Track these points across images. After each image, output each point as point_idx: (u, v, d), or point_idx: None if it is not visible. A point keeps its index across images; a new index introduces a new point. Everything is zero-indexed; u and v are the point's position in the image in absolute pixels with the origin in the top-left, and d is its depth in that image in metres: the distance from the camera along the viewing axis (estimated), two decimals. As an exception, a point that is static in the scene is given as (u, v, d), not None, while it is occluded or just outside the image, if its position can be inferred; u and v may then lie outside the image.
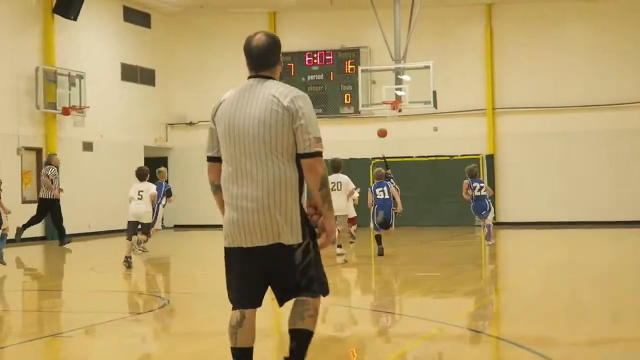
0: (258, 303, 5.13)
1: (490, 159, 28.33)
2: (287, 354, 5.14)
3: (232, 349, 5.07)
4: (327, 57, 29.89)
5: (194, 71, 31.28)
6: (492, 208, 19.49)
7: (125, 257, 15.83)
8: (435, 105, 24.13)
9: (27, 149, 25.00)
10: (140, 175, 16.74)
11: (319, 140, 4.98)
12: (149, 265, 17.78)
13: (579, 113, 27.80)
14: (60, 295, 12.70)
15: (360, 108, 26.48)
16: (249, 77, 5.20)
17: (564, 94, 27.88)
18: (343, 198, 16.94)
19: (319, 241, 5.09)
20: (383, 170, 18.44)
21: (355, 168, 26.23)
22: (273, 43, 5.17)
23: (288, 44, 30.64)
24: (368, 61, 29.13)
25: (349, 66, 29.54)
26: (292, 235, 4.96)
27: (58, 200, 20.64)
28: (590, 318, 9.03)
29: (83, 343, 8.23)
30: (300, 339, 5.11)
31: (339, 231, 16.30)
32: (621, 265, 15.25)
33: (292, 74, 30.16)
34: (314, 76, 30.07)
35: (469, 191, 19.09)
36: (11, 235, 17.41)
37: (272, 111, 4.95)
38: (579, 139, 27.76)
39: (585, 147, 27.70)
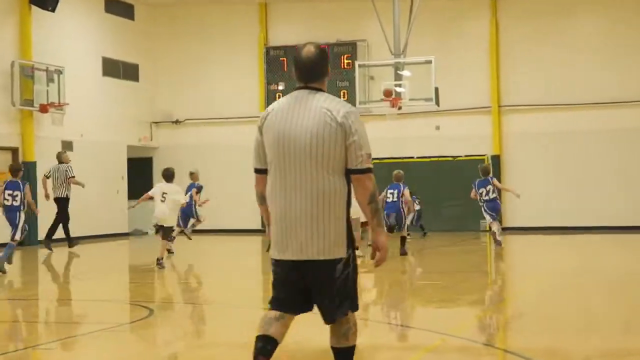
0: (297, 312, 5.43)
1: (496, 159, 28.35)
2: None
3: (259, 336, 5.31)
4: (322, 51, 29.89)
5: (181, 66, 31.26)
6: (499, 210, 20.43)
7: (158, 258, 16.77)
8: (437, 103, 24.14)
9: (2, 148, 24.97)
10: (167, 176, 17.41)
11: (369, 156, 5.30)
12: (133, 273, 17.76)
13: (591, 111, 27.82)
14: (38, 304, 12.69)
15: (357, 105, 26.47)
16: (297, 88, 5.46)
17: (574, 90, 27.89)
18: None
19: (376, 258, 5.37)
20: (402, 172, 19.46)
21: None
22: (322, 55, 5.47)
23: (280, 37, 30.66)
24: (366, 56, 29.13)
25: (346, 61, 29.55)
26: (335, 250, 5.24)
27: (69, 199, 21.82)
28: (602, 328, 9.05)
29: (62, 356, 8.22)
30: (347, 355, 5.48)
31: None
32: (634, 272, 15.28)
33: (285, 69, 30.16)
34: (308, 71, 30.07)
35: (477, 196, 20.32)
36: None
37: (325, 125, 5.23)
38: (591, 138, 27.78)
39: (598, 147, 27.71)
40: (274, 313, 5.37)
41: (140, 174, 30.78)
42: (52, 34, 26.62)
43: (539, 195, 27.92)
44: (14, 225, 16.35)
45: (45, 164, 25.39)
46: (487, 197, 20.33)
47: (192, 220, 20.96)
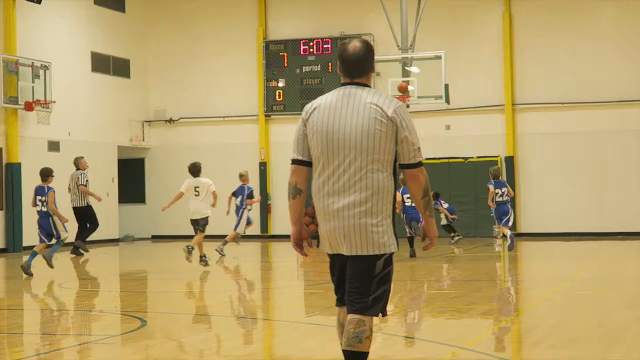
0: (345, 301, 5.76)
1: (510, 161, 28.34)
2: None
3: (344, 351, 5.63)
4: (325, 46, 29.91)
5: (175, 61, 31.29)
6: (513, 213, 20.82)
7: (201, 256, 18.20)
8: (447, 101, 24.14)
9: (-16, 149, 25.01)
10: (194, 171, 18.47)
11: (420, 149, 5.66)
12: (122, 282, 17.77)
13: (611, 109, 27.82)
14: (22, 314, 12.68)
15: (362, 103, 26.46)
16: (343, 84, 5.74)
17: (593, 88, 27.89)
18: None
19: (426, 245, 5.87)
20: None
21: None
22: (368, 50, 5.74)
23: (280, 31, 30.68)
24: (371, 50, 29.13)
25: (350, 56, 29.55)
26: (381, 245, 5.61)
27: (91, 206, 22.36)
28: (623, 341, 9.03)
29: (49, 369, 8.21)
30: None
31: None
32: (658, 281, 15.26)
33: (285, 64, 30.19)
34: (310, 67, 30.09)
35: (493, 195, 20.86)
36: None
37: (375, 120, 5.55)
38: (610, 138, 27.77)
39: (618, 148, 27.70)
40: (340, 314, 5.82)
41: (131, 176, 30.83)
42: (37, 27, 26.65)
43: (555, 199, 27.91)
44: (45, 231, 17.21)
45: (30, 165, 25.44)
46: (500, 199, 20.82)
47: (241, 226, 21.52)
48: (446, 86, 23.87)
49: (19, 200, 25.28)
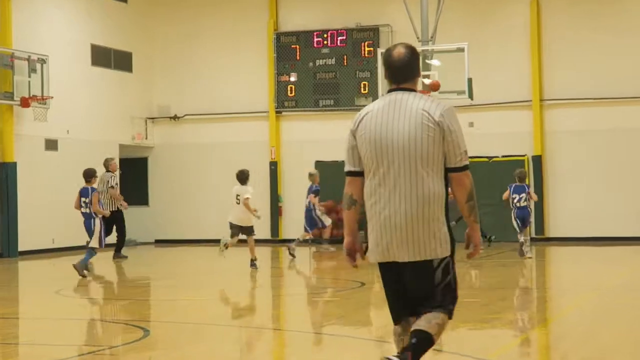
0: (415, 312, 6.07)
1: (538, 161, 28.29)
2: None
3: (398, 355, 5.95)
4: (340, 38, 29.91)
5: (179, 54, 31.35)
6: (529, 219, 21.34)
7: (251, 259, 19.43)
8: (470, 96, 24.10)
9: (-22, 148, 25.10)
10: (241, 178, 19.73)
11: (466, 153, 6.09)
12: (124, 289, 17.81)
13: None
14: (18, 323, 12.73)
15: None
16: (390, 90, 6.16)
17: (627, 82, 27.79)
18: None
19: (468, 252, 6.19)
20: None
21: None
22: (413, 55, 6.14)
23: (292, 22, 30.70)
24: (389, 42, 29.11)
25: (367, 48, 29.57)
26: (439, 250, 5.97)
27: (121, 212, 23.10)
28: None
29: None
30: (423, 339, 5.94)
31: None
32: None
33: (297, 57, 30.20)
34: (324, 61, 30.10)
35: (509, 199, 21.52)
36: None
37: (423, 126, 5.94)
38: (645, 136, 27.67)
39: (654, 146, 27.60)
40: (398, 328, 6.14)
41: (134, 177, 30.89)
42: (34, 19, 26.74)
43: (586, 201, 27.83)
44: (90, 233, 18.18)
45: (26, 165, 25.54)
46: (518, 204, 21.37)
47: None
48: (469, 80, 23.83)
49: (14, 203, 25.38)
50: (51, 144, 27.15)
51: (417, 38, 25.00)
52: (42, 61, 26.14)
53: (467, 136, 22.80)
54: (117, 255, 23.52)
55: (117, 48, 30.14)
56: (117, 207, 23.00)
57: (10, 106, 25.45)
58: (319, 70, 30.08)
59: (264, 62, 30.65)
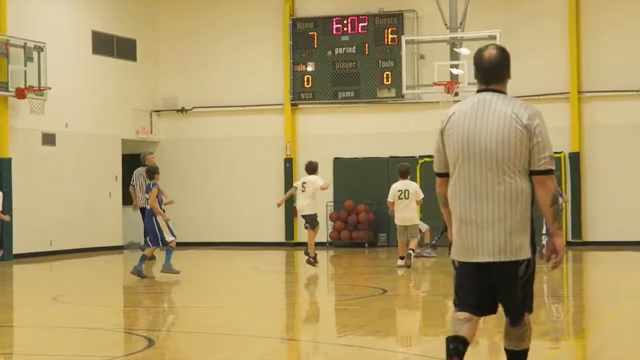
0: (485, 313, 6.73)
1: (575, 158, 28.22)
2: None
3: (451, 336, 6.54)
4: (361, 24, 29.90)
5: (187, 42, 31.38)
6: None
7: (310, 257, 20.59)
8: (502, 88, 24.06)
9: (-30, 142, 25.19)
10: (310, 169, 21.12)
11: (552, 157, 6.52)
12: (127, 295, 17.86)
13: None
14: (12, 331, 12.78)
15: (404, 91, 26.49)
16: (479, 91, 6.68)
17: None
18: (411, 207, 20.29)
19: (552, 262, 6.68)
20: None
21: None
22: (504, 57, 6.69)
23: (309, 7, 30.71)
24: (415, 30, 29.10)
25: (390, 36, 29.54)
26: (522, 251, 6.51)
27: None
28: None
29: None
30: (523, 358, 6.83)
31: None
32: None
33: (315, 45, 30.20)
34: (344, 49, 30.09)
35: None
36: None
37: (511, 128, 6.44)
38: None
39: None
40: (463, 314, 6.60)
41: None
42: (31, 3, 26.81)
43: (627, 202, 27.73)
44: (151, 234, 18.82)
45: (22, 160, 25.61)
46: None
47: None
48: (501, 71, 23.79)
49: (9, 202, 25.44)
50: (49, 139, 27.23)
51: (445, 25, 25.02)
52: (40, 49, 26.21)
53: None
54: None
55: (120, 35, 30.20)
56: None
57: (4, 97, 25.52)
58: (338, 59, 30.07)
59: (278, 50, 30.66)
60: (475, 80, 6.81)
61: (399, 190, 20.42)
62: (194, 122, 31.49)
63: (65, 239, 26.98)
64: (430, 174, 23.17)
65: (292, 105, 30.54)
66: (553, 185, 6.51)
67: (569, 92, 28.49)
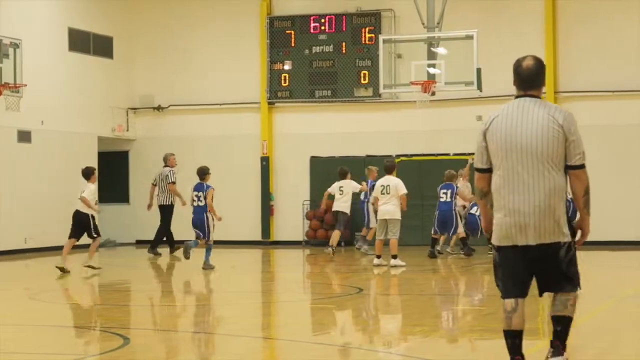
0: (526, 293, 7.58)
1: (551, 158, 28.24)
2: (551, 337, 7.73)
3: (506, 331, 7.57)
4: (339, 23, 29.89)
5: (164, 40, 31.29)
6: None
7: (333, 247, 23.60)
8: (479, 88, 24.12)
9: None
10: (341, 174, 23.90)
11: (584, 154, 7.60)
12: (102, 293, 17.81)
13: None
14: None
15: (381, 90, 26.47)
16: (517, 96, 7.78)
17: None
18: (392, 202, 20.65)
19: (578, 239, 7.62)
20: (454, 172, 23.70)
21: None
22: (541, 67, 7.82)
23: (287, 5, 30.67)
24: (392, 29, 29.11)
25: (367, 35, 29.54)
26: (561, 235, 7.46)
27: (173, 206, 25.08)
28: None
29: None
30: (565, 324, 7.64)
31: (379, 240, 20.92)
32: None
33: (292, 44, 30.15)
34: (321, 47, 30.07)
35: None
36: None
37: (549, 128, 7.49)
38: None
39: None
40: (510, 304, 7.50)
41: (114, 172, 30.88)
42: (7, -1, 26.67)
43: (601, 202, 27.70)
44: (202, 229, 20.22)
45: (-3, 158, 25.46)
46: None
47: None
48: (478, 70, 23.84)
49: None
50: (24, 136, 27.12)
51: (423, 24, 25.00)
52: (15, 45, 26.05)
53: (474, 131, 22.81)
54: (153, 251, 25.13)
55: (97, 32, 30.10)
56: (172, 202, 24.89)
57: (-21, 94, 25.37)
58: (315, 58, 30.04)
59: (255, 48, 30.61)
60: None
61: (381, 186, 20.85)
62: (171, 120, 31.41)
63: (41, 237, 26.87)
64: (407, 172, 23.19)
65: (269, 103, 30.50)
66: (586, 177, 7.58)
67: (545, 92, 28.49)
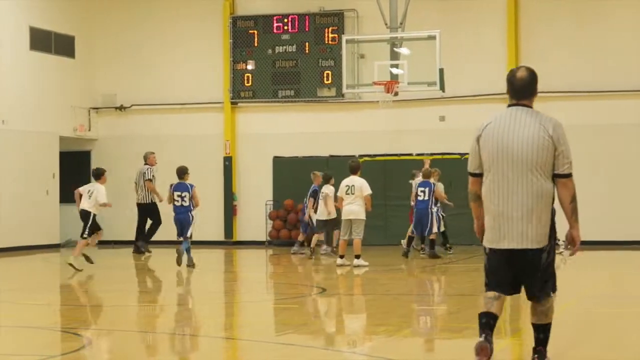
0: (510, 293, 8.00)
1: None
2: (534, 345, 8.21)
3: (482, 313, 7.94)
4: (302, 23, 29.88)
5: (127, 39, 31.17)
6: None
7: (335, 251, 22.66)
8: (442, 88, 24.16)
9: None
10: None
11: (571, 163, 7.88)
12: (62, 293, 17.72)
13: (631, 100, 27.83)
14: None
15: (344, 90, 26.49)
16: (510, 105, 8.15)
17: (611, 75, 27.89)
18: (357, 202, 20.63)
19: (571, 251, 8.02)
20: (430, 169, 23.58)
21: (337, 167, 26.11)
22: (533, 78, 8.19)
23: (250, 5, 30.64)
24: (355, 29, 29.14)
25: (330, 35, 29.55)
26: (544, 239, 7.81)
27: (156, 203, 24.99)
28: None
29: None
30: (546, 331, 8.10)
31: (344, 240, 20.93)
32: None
33: (255, 44, 30.12)
34: (284, 47, 30.05)
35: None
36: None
37: (539, 137, 7.81)
38: (629, 133, 27.78)
39: (637, 144, 27.72)
40: (492, 293, 7.92)
41: (75, 172, 30.66)
42: (-33, -2, 26.48)
43: (584, 203, 27.86)
44: (186, 226, 20.60)
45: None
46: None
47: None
48: (441, 71, 23.89)
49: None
50: (-16, 135, 26.93)
51: (386, 24, 25.04)
52: (-25, 44, 25.91)
53: (437, 132, 23.00)
54: (140, 247, 25.23)
55: (58, 31, 29.94)
56: (152, 200, 24.84)
57: (-61, 93, 25.18)
58: (278, 58, 30.03)
59: (218, 48, 30.55)
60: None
61: (346, 186, 20.89)
62: (133, 120, 31.30)
63: (1, 237, 26.69)
64: (371, 173, 23.21)
65: (232, 103, 30.46)
66: (573, 186, 7.88)
67: (506, 93, 28.59)
